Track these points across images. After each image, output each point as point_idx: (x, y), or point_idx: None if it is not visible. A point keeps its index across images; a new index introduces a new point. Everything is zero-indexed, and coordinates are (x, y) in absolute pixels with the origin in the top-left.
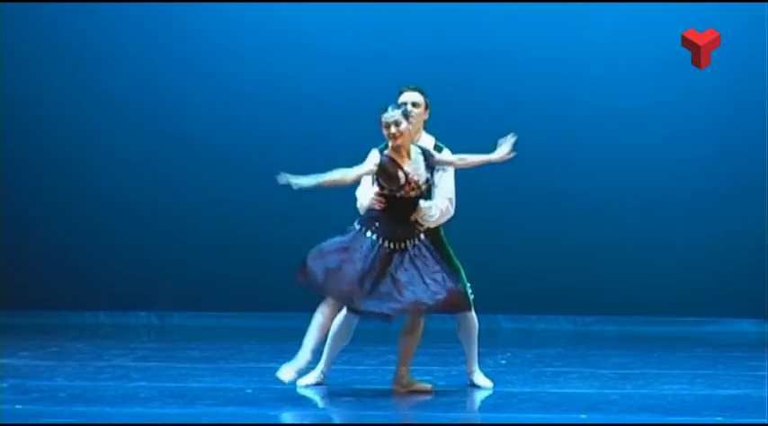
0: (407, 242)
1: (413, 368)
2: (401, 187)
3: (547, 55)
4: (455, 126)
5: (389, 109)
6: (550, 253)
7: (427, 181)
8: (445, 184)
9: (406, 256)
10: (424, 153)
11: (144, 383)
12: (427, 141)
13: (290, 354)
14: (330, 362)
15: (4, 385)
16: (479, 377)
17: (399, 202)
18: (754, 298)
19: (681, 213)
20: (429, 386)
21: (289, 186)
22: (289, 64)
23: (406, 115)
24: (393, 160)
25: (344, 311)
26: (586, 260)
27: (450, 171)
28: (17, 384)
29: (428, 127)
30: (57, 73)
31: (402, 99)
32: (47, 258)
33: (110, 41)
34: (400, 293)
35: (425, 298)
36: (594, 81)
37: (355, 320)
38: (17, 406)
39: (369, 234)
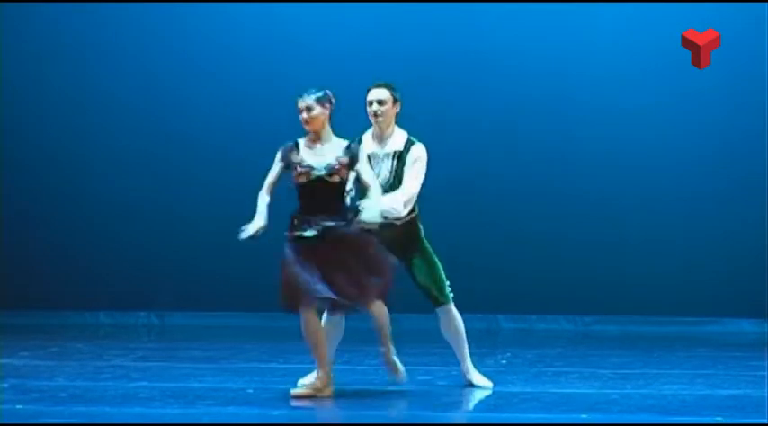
0: (317, 231)
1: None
2: (299, 174)
3: (546, 55)
4: (456, 125)
5: (304, 94)
6: (550, 253)
7: (330, 170)
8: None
9: (321, 247)
10: (349, 147)
11: (144, 383)
12: (400, 136)
13: (291, 354)
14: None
15: (5, 385)
16: (476, 377)
17: (305, 190)
18: (755, 298)
19: (681, 213)
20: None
21: (255, 235)
22: (289, 63)
23: (320, 100)
24: (296, 146)
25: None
26: (586, 260)
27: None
28: (17, 384)
29: (432, 125)
30: (56, 73)
31: (369, 96)
32: (47, 258)
33: (110, 41)
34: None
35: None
36: (594, 81)
37: (336, 317)
38: (18, 406)
39: (289, 233)
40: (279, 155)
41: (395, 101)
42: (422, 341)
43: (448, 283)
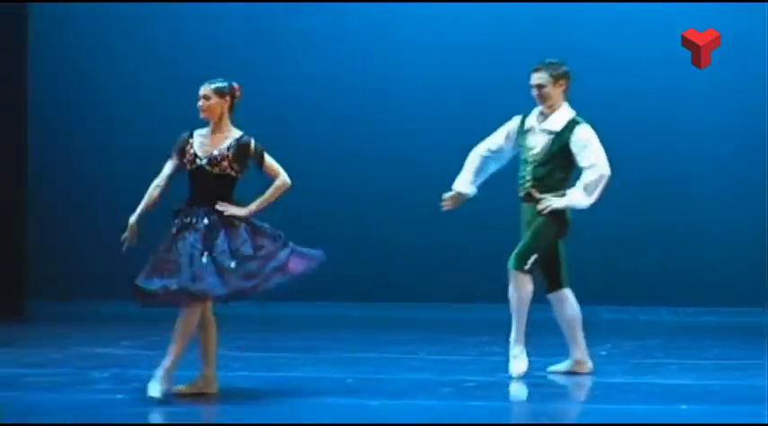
0: (204, 219)
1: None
2: (187, 162)
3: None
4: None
5: (207, 82)
6: (651, 245)
7: (210, 161)
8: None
9: (196, 234)
10: (239, 140)
11: (244, 373)
12: (564, 115)
13: (389, 344)
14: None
15: (106, 374)
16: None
17: (190, 179)
18: None
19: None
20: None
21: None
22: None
23: (219, 91)
24: (191, 135)
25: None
26: (687, 251)
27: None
28: (118, 373)
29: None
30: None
31: (531, 80)
32: (149, 249)
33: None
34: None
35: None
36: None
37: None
38: (118, 396)
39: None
40: (174, 147)
41: (555, 80)
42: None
43: (534, 256)
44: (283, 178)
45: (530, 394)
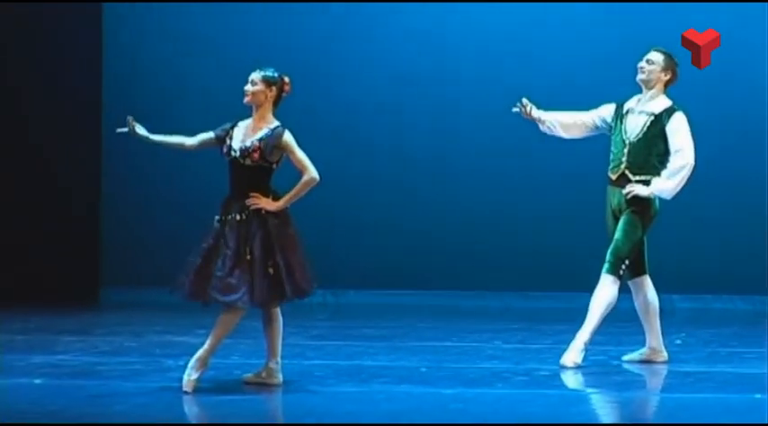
0: (237, 215)
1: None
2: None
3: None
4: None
5: (259, 69)
6: (726, 234)
7: (245, 150)
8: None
9: (235, 234)
10: (273, 131)
11: (319, 361)
12: (663, 101)
13: (465, 333)
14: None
15: (180, 362)
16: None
17: (229, 170)
18: None
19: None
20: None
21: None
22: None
23: (267, 80)
24: (233, 126)
25: None
26: (761, 239)
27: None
28: None
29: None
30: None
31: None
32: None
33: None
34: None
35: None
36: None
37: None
38: None
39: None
40: (218, 129)
41: (665, 68)
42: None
43: (627, 262)
44: (311, 173)
45: (603, 382)
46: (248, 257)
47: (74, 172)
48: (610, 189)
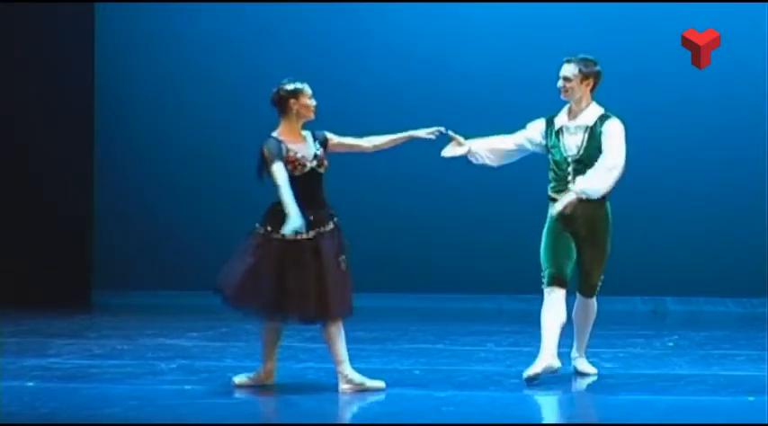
0: (307, 232)
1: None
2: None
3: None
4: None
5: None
6: (716, 236)
7: (319, 159)
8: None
9: (302, 251)
10: (315, 135)
11: (312, 364)
12: (594, 111)
13: (457, 335)
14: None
15: (173, 365)
16: (583, 364)
17: (306, 181)
18: None
19: None
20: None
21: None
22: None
23: (289, 92)
24: (279, 142)
25: None
26: (753, 242)
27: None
28: (186, 364)
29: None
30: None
31: (560, 71)
32: (217, 242)
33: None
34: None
35: (296, 314)
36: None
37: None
38: (186, 387)
39: (266, 229)
40: (273, 154)
41: (584, 78)
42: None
43: (602, 277)
44: (363, 141)
45: (595, 386)
46: (343, 266)
47: (66, 175)
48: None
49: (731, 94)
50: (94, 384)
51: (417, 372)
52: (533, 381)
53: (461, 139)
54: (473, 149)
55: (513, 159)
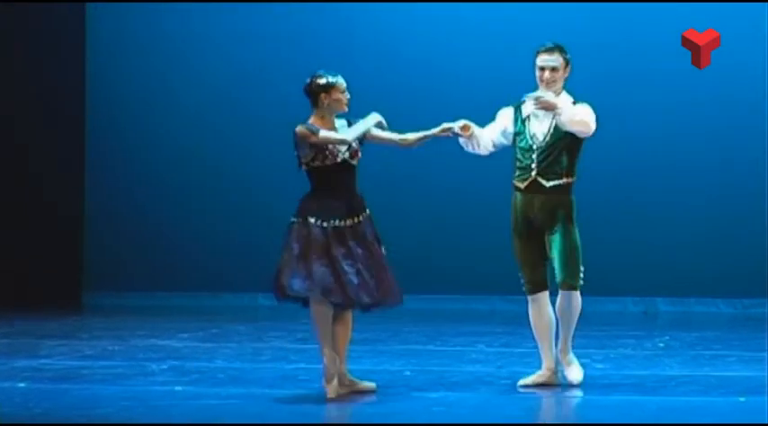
0: (345, 220)
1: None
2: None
3: None
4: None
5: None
6: (708, 237)
7: (353, 150)
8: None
9: (346, 238)
10: (350, 124)
11: (303, 365)
12: (564, 99)
13: (449, 336)
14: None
15: (164, 366)
16: (571, 372)
17: (339, 172)
18: None
19: None
20: (372, 385)
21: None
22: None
23: (320, 87)
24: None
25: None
26: (744, 242)
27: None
28: (177, 365)
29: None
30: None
31: (540, 62)
32: (207, 241)
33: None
34: (342, 282)
35: (363, 296)
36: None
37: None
38: (176, 388)
39: (304, 219)
40: (313, 128)
41: (566, 65)
42: (580, 324)
43: (582, 269)
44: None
45: (586, 386)
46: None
47: (57, 176)
48: (523, 196)
49: (731, 94)
50: (86, 385)
51: (408, 373)
52: (527, 388)
53: (474, 126)
54: (475, 133)
55: (493, 150)
